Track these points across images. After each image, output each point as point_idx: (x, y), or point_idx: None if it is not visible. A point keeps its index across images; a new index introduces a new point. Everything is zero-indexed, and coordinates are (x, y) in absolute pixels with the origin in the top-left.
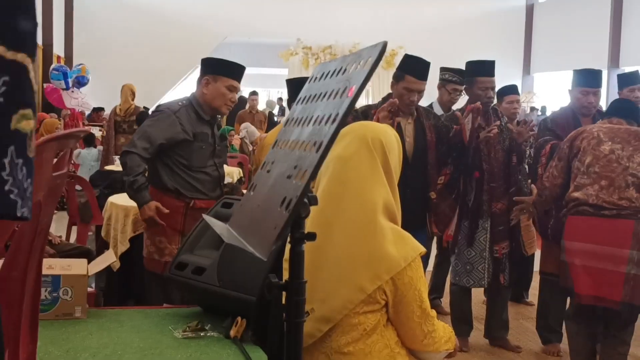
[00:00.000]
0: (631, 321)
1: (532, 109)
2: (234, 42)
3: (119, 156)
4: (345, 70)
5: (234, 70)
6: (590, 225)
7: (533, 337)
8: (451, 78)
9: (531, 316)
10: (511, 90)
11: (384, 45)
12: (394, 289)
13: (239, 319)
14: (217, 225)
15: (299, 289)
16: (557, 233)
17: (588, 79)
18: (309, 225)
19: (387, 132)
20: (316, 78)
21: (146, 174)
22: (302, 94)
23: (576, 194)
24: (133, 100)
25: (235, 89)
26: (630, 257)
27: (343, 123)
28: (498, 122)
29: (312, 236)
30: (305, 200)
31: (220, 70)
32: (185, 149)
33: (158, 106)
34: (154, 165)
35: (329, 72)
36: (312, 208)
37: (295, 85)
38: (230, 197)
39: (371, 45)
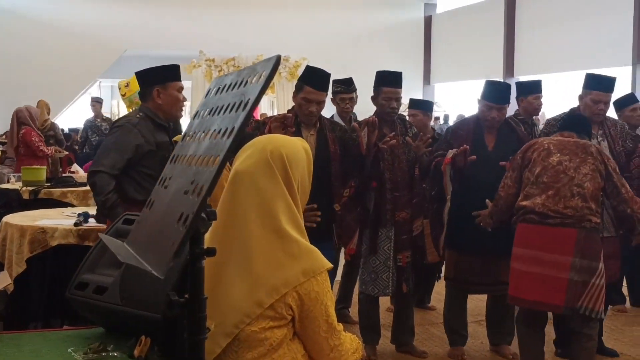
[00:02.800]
0: (590, 318)
1: (436, 118)
2: (134, 55)
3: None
4: (240, 84)
5: (176, 72)
6: (535, 232)
7: (439, 342)
8: (336, 89)
9: (436, 321)
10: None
11: (278, 58)
12: (300, 303)
13: (143, 337)
14: (114, 244)
15: (200, 305)
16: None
17: (494, 95)
18: (209, 241)
19: (291, 145)
20: (213, 92)
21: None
22: (198, 108)
23: (524, 203)
24: (49, 114)
25: (182, 89)
26: (573, 264)
27: (239, 137)
28: (392, 134)
29: (211, 252)
30: (204, 215)
31: (166, 77)
32: (149, 160)
33: (115, 122)
34: (119, 180)
35: (225, 86)
36: (213, 223)
37: (142, 77)
38: (132, 213)
39: (265, 59)
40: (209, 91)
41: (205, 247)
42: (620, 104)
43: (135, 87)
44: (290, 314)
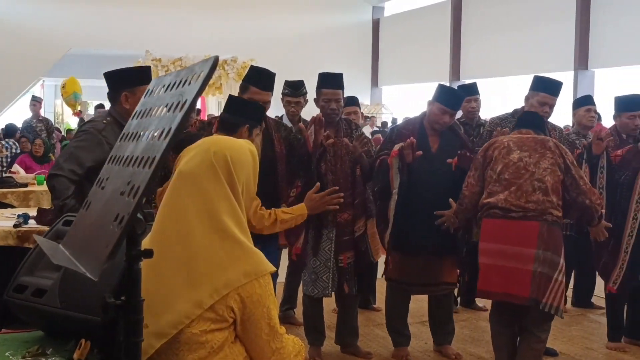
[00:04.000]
0: (546, 318)
1: (384, 124)
2: (79, 54)
3: None
4: (179, 84)
5: (146, 76)
6: (499, 226)
7: (383, 342)
8: (284, 91)
9: (381, 322)
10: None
11: (216, 59)
12: (242, 306)
13: (82, 340)
14: (48, 246)
15: (136, 307)
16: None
17: (451, 100)
18: (150, 241)
19: (236, 147)
20: (152, 92)
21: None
22: (138, 109)
23: (488, 200)
24: None
25: None
26: (536, 256)
27: (176, 138)
28: (332, 140)
29: (149, 253)
30: (141, 216)
31: (135, 81)
32: None
33: (82, 125)
34: (81, 185)
35: (164, 86)
36: (155, 223)
37: (111, 78)
38: (72, 215)
39: (203, 60)
40: (148, 91)
41: (143, 248)
42: (576, 104)
43: (71, 89)
44: (232, 317)
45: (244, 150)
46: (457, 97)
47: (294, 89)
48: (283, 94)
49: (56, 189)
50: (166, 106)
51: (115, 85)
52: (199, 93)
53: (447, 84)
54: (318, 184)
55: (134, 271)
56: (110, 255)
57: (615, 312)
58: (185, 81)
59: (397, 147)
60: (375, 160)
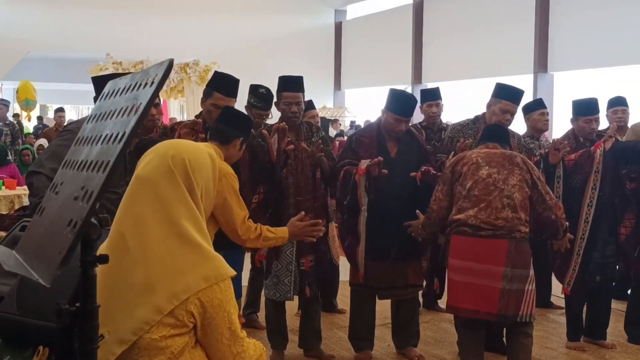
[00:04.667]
0: (529, 323)
1: (352, 123)
2: (38, 57)
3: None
4: (134, 87)
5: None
6: (468, 244)
7: (346, 345)
8: (256, 103)
9: (344, 325)
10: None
11: (170, 62)
12: (202, 311)
13: (40, 347)
14: (1, 252)
15: (91, 314)
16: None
17: (401, 107)
18: (107, 247)
19: (195, 150)
20: (107, 95)
21: None
22: (92, 112)
23: (458, 216)
24: None
25: (156, 104)
26: (505, 274)
27: (130, 141)
28: (292, 146)
29: (104, 259)
30: (95, 221)
31: None
32: None
33: (67, 125)
34: None
35: (119, 89)
36: (112, 229)
37: (100, 83)
38: (28, 220)
39: (158, 63)
40: (103, 94)
41: (99, 254)
42: (529, 108)
43: (24, 95)
44: (192, 322)
45: (202, 154)
46: (409, 104)
47: (266, 103)
48: (253, 105)
49: (34, 186)
50: (121, 110)
51: (101, 89)
52: (153, 96)
53: (410, 88)
54: (302, 213)
55: (89, 277)
56: (63, 261)
57: (574, 312)
58: (140, 84)
59: (363, 165)
60: (339, 169)
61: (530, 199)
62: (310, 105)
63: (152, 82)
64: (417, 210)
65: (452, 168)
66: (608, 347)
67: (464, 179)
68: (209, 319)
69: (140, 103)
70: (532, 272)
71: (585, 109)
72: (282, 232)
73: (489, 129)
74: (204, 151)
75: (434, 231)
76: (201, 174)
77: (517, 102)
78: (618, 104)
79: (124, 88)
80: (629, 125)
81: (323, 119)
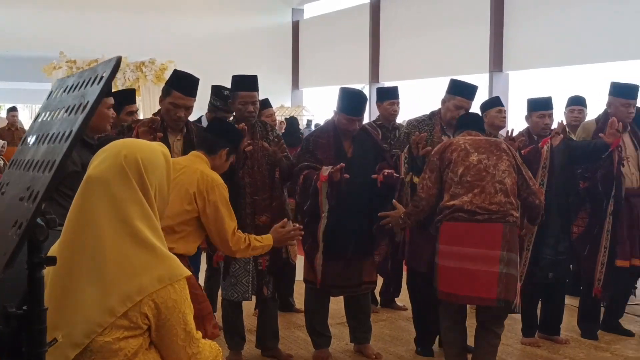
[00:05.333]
0: (504, 316)
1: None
2: None
3: None
4: (81, 85)
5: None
6: (464, 229)
7: (304, 344)
8: (218, 103)
9: (302, 324)
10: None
11: (118, 59)
12: (156, 312)
13: None
14: None
15: (39, 317)
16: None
17: (352, 107)
18: (58, 249)
19: (148, 150)
20: (55, 94)
21: None
22: (40, 111)
23: (452, 202)
24: None
25: (112, 105)
26: (502, 257)
27: (76, 140)
28: (250, 147)
29: (52, 260)
30: (42, 222)
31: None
32: (73, 181)
33: None
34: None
35: (67, 87)
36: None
37: None
38: None
39: (106, 60)
40: (51, 93)
41: (49, 255)
42: (487, 106)
43: None
44: (146, 323)
45: (156, 153)
46: (359, 103)
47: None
48: (217, 107)
49: None
50: (68, 108)
51: None
52: (101, 94)
53: (367, 87)
54: (285, 219)
55: (36, 279)
56: (8, 264)
57: (529, 308)
58: (88, 82)
59: (325, 172)
60: (298, 172)
61: (516, 183)
62: (266, 103)
63: (100, 80)
64: (394, 201)
65: (440, 155)
66: (562, 342)
67: (454, 166)
68: (163, 320)
69: (88, 101)
70: (518, 259)
71: (538, 104)
72: (268, 239)
73: (466, 118)
74: (158, 151)
75: (419, 220)
76: (155, 174)
77: (471, 98)
78: (576, 103)
79: (72, 86)
80: None
81: (292, 118)
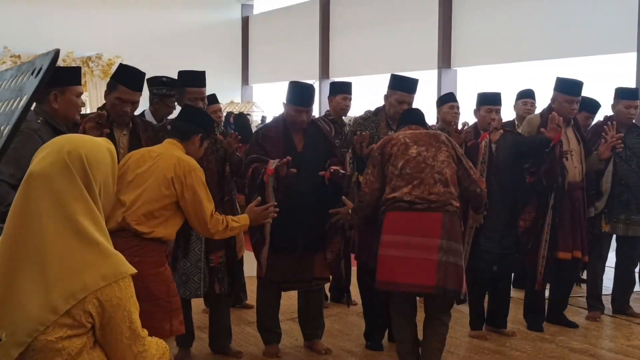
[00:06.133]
0: (451, 303)
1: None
2: None
3: None
4: (19, 78)
5: (77, 76)
6: (405, 218)
7: (254, 340)
8: (169, 92)
9: (252, 320)
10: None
11: (56, 52)
12: (101, 310)
13: None
14: None
15: None
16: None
17: (300, 98)
18: (0, 247)
19: (92, 146)
20: None
21: None
22: None
23: (393, 194)
24: None
25: (81, 93)
26: (441, 245)
27: (14, 134)
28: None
29: None
30: None
31: (66, 81)
32: None
33: None
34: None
35: (5, 80)
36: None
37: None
38: None
39: (44, 54)
40: None
41: None
42: (440, 102)
43: None
44: (90, 322)
45: (101, 148)
46: (307, 94)
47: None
48: (162, 95)
49: None
50: (5, 102)
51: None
52: (38, 88)
53: (317, 82)
54: (259, 198)
55: None
56: None
57: (476, 302)
58: (26, 75)
59: (272, 165)
60: (247, 165)
61: (456, 174)
62: (213, 99)
63: (38, 73)
64: (344, 197)
65: (381, 150)
66: (509, 334)
67: (394, 159)
68: (108, 318)
69: (25, 95)
70: (462, 247)
71: (486, 99)
72: (244, 219)
73: (407, 113)
74: (103, 147)
75: (366, 215)
76: (99, 170)
77: (412, 91)
78: (527, 95)
79: (10, 79)
80: None
81: (242, 114)
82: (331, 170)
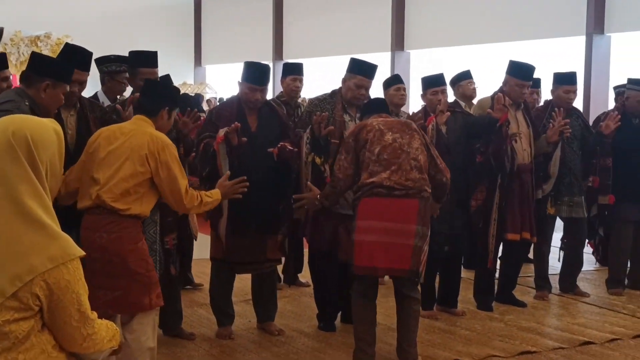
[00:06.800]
0: (417, 282)
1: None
2: None
3: None
4: None
5: (71, 74)
6: (383, 205)
7: (206, 322)
8: (119, 68)
9: (204, 302)
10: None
11: (0, 30)
12: (48, 293)
13: None
14: None
15: None
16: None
17: (255, 76)
18: None
19: (38, 126)
20: None
21: None
22: None
23: (372, 179)
24: None
25: (67, 91)
26: (417, 231)
27: None
28: None
29: None
30: None
31: (62, 77)
32: None
33: (2, 104)
34: None
35: None
36: None
37: None
38: None
39: None
40: None
41: None
42: (386, 84)
43: None
44: (38, 305)
45: (46, 129)
46: (262, 72)
47: (124, 61)
48: (113, 71)
49: None
50: None
51: (42, 70)
52: None
53: (271, 64)
54: (228, 172)
55: None
56: None
57: (428, 282)
58: None
59: (222, 132)
60: (199, 142)
61: (427, 161)
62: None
63: None
64: (309, 183)
65: (355, 137)
66: (459, 314)
67: (371, 145)
68: (56, 301)
69: None
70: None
71: (432, 82)
72: (216, 194)
73: (372, 103)
74: (49, 127)
75: (337, 200)
76: (45, 150)
77: (371, 77)
78: (469, 76)
79: None
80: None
81: (197, 95)
82: (279, 145)
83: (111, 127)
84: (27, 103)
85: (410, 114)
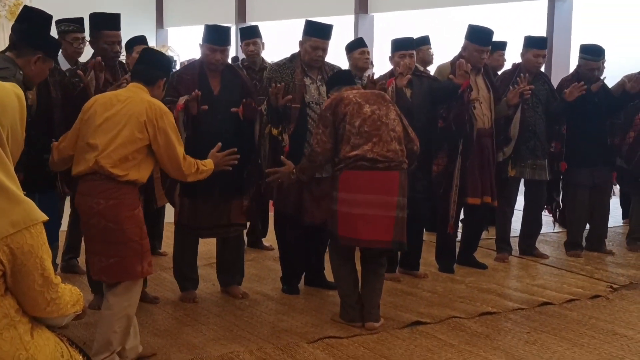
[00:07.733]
0: (387, 251)
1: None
2: None
3: None
4: None
5: (57, 52)
6: (365, 178)
7: (170, 286)
8: (67, 28)
9: (168, 266)
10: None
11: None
12: (11, 257)
13: None
14: None
15: None
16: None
17: (215, 37)
18: None
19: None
20: None
21: None
22: None
23: (354, 152)
24: None
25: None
26: (398, 203)
27: None
28: (127, 76)
29: None
30: None
31: (52, 54)
32: None
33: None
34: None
35: None
36: None
37: None
38: None
39: None
40: None
41: None
42: (350, 47)
43: None
44: (1, 269)
45: (8, 93)
46: (221, 33)
47: (79, 24)
48: (66, 31)
49: None
50: None
51: (36, 43)
52: None
53: (234, 26)
54: (220, 143)
55: None
56: None
57: None
58: None
59: (182, 100)
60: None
61: (402, 132)
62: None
63: None
64: (282, 157)
65: (333, 110)
66: (421, 276)
67: (351, 118)
68: (19, 265)
69: None
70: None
71: (400, 44)
72: (210, 164)
73: (340, 75)
74: (10, 91)
75: (314, 174)
76: (6, 114)
77: (327, 38)
78: (427, 42)
79: None
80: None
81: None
82: (243, 101)
83: (106, 94)
84: (21, 73)
85: (369, 76)
